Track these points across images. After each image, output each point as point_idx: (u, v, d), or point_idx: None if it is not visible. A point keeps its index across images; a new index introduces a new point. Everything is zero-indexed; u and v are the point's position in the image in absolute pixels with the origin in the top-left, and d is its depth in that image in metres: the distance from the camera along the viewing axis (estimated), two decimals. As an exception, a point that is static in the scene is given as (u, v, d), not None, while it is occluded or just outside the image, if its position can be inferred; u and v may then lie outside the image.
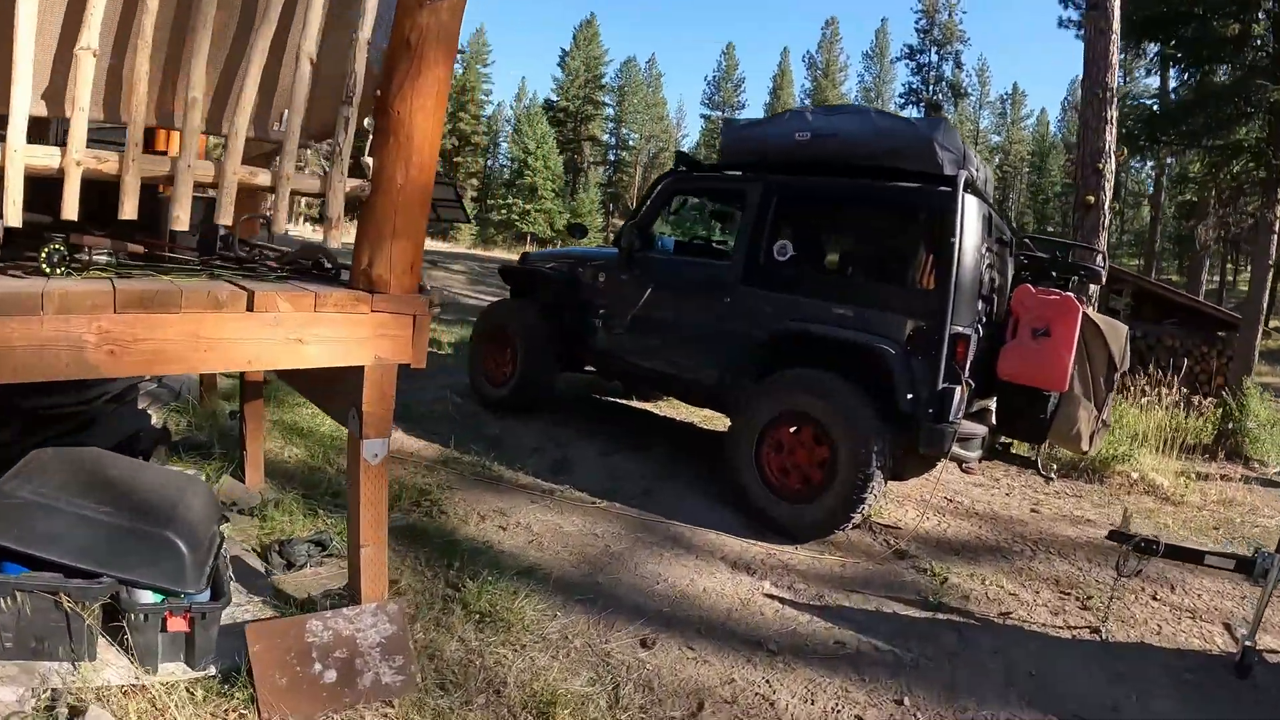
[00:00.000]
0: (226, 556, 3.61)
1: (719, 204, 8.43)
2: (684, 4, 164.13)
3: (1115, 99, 10.38)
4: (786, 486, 5.51)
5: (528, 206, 67.96)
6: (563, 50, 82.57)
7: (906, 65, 70.96)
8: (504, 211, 69.20)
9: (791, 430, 5.51)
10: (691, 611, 4.31)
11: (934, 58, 70.11)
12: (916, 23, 70.08)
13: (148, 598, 3.01)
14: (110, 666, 2.92)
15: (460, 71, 78.82)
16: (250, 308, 2.87)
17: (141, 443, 5.02)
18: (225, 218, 2.92)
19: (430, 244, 37.80)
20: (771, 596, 4.57)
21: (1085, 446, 5.87)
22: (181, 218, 2.82)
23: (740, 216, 6.45)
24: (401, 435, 6.70)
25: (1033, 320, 5.45)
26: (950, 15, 69.01)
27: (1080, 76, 10.93)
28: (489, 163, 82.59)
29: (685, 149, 66.24)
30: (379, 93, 3.13)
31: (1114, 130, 10.31)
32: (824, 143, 6.01)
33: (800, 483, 5.47)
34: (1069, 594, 5.04)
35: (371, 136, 3.19)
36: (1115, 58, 10.27)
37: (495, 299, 8.70)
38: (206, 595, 3.15)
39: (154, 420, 5.78)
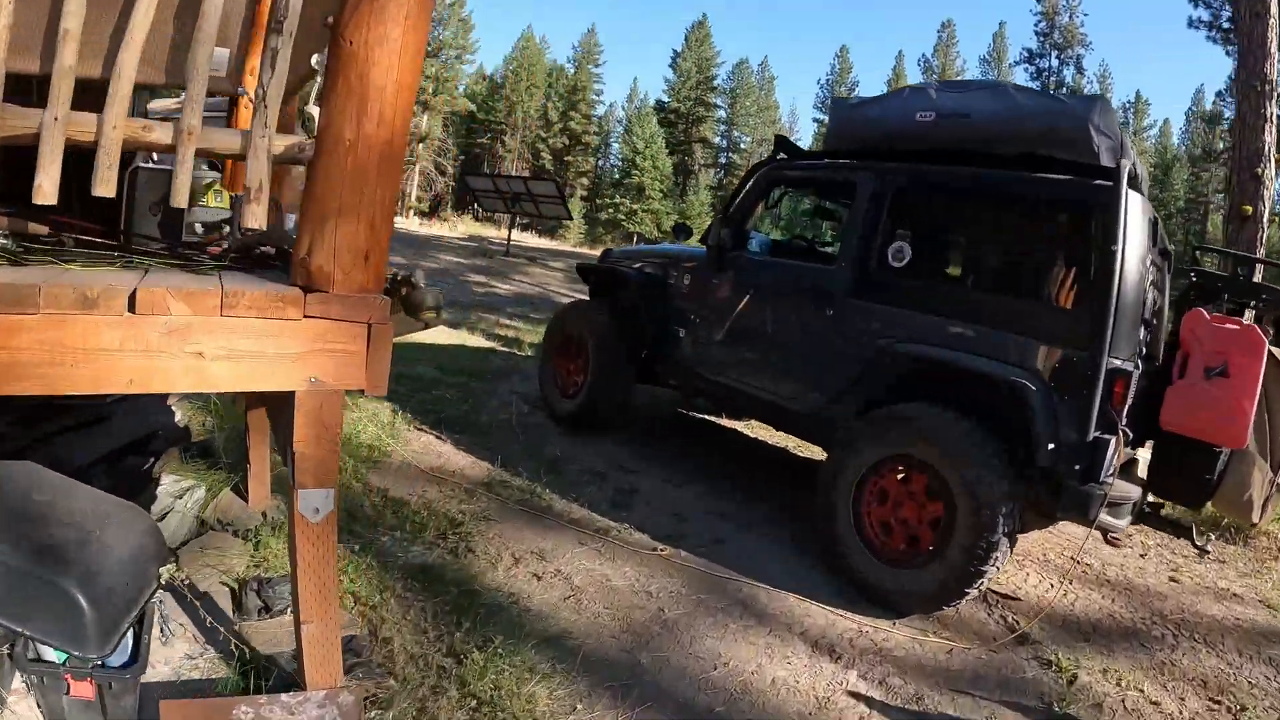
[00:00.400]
0: (157, 612, 2.96)
1: (824, 198, 7.37)
2: (797, 5, 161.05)
3: (1276, 93, 9.03)
4: (889, 547, 4.50)
5: (635, 206, 67.52)
6: (674, 51, 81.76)
7: (1025, 70, 67.07)
8: (611, 211, 68.87)
9: (900, 478, 4.52)
10: (753, 714, 3.37)
11: (1054, 62, 66.41)
12: (1036, 25, 66.60)
13: (51, 654, 2.54)
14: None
15: (572, 71, 79.42)
16: (132, 308, 2.09)
17: (155, 444, 4.53)
18: (105, 187, 2.10)
19: (534, 241, 37.45)
20: (857, 696, 3.59)
21: (1256, 517, 4.74)
22: (46, 187, 2.05)
23: (849, 213, 5.47)
24: (449, 449, 5.96)
25: (1207, 356, 4.31)
26: (1071, 18, 65.54)
27: (1203, 85, 9.54)
28: (600, 162, 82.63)
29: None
30: (330, 20, 2.28)
31: (1275, 129, 8.97)
32: (951, 125, 4.95)
33: (906, 543, 4.46)
34: (1219, 702, 3.94)
35: (319, 79, 2.37)
36: (1275, 45, 8.93)
37: (582, 266, 7.95)
38: (124, 657, 2.61)
39: (178, 417, 5.22)
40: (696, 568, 4.61)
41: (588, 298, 7.60)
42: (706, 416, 8.07)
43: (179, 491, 4.05)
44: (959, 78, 74.58)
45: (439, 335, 11.01)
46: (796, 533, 5.27)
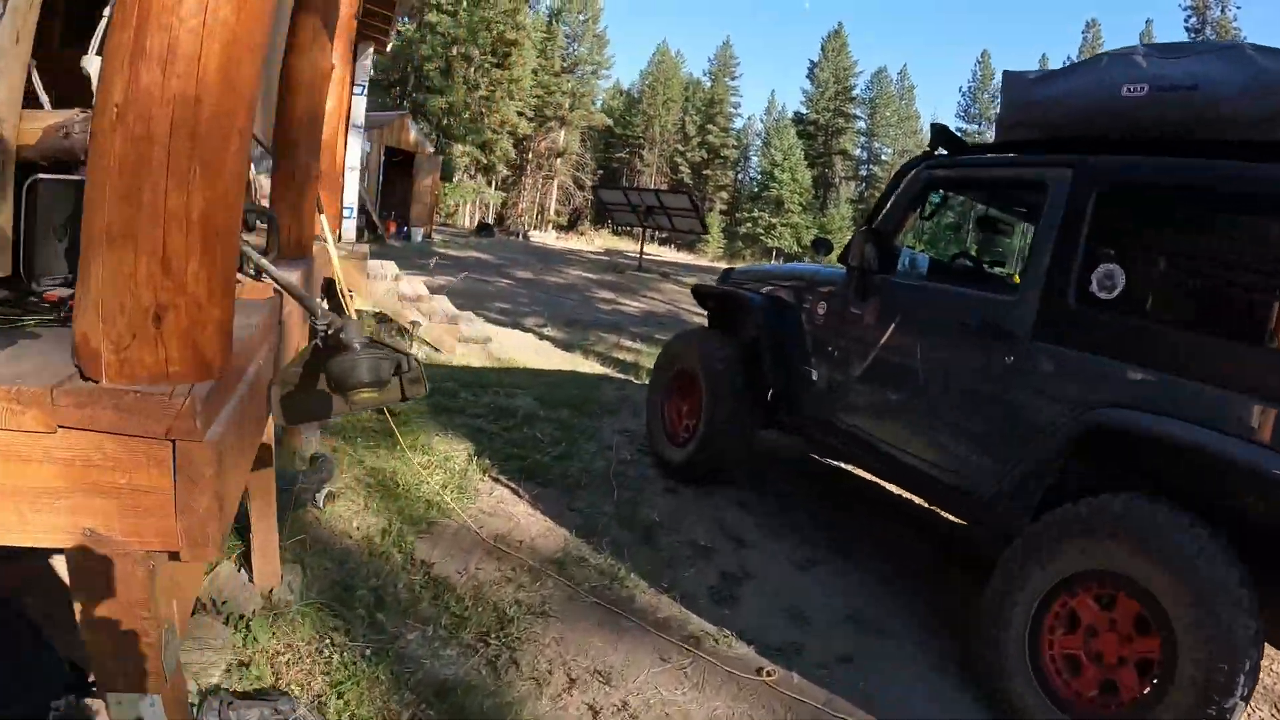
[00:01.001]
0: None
1: (998, 203, 5.77)
2: (934, 10, 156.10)
3: None
4: (1080, 695, 3.23)
5: (774, 220, 66.11)
6: (811, 62, 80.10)
7: (1176, 68, 63.11)
8: (750, 225, 67.58)
9: (1097, 602, 3.25)
10: None
11: (1207, 60, 62.12)
12: (1186, 21, 61.95)
13: None
14: None
15: (708, 84, 78.67)
16: None
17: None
18: None
19: (670, 255, 36.70)
20: None
21: None
22: None
23: (1034, 224, 4.13)
24: (524, 509, 4.96)
25: None
26: (1224, 11, 60.88)
27: None
28: (739, 176, 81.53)
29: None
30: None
31: None
32: (1172, 100, 3.57)
33: (1100, 688, 3.19)
34: None
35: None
36: None
37: (697, 288, 6.68)
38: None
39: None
40: (814, 702, 3.41)
41: (706, 325, 6.50)
42: (844, 465, 6.80)
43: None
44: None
45: (549, 358, 10.09)
46: (950, 649, 4.00)
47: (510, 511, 4.89)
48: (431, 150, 28.91)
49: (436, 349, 9.26)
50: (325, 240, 5.23)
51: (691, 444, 5.56)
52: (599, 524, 4.79)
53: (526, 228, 52.82)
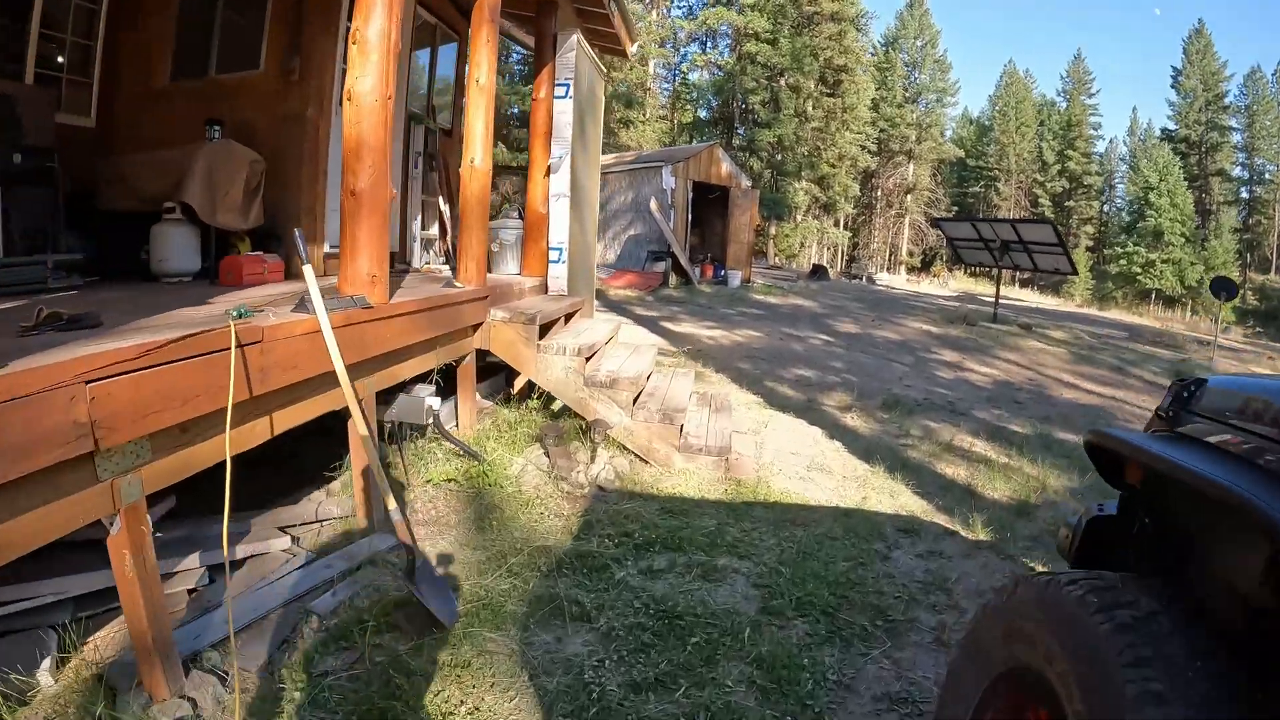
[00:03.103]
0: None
1: None
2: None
3: None
4: None
5: (1151, 256, 57.16)
6: (1174, 69, 70.32)
7: None
8: (1123, 262, 59.04)
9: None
10: None
11: None
12: None
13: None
14: None
15: (1064, 105, 71.74)
16: None
17: None
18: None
19: (1033, 297, 31.48)
20: None
21: None
22: None
23: None
24: None
25: None
26: None
27: None
28: (1104, 207, 73.17)
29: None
30: None
31: None
32: None
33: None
34: None
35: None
36: None
37: (1103, 440, 2.24)
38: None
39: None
40: None
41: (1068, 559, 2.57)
42: None
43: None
44: None
45: (832, 475, 6.49)
46: None
47: None
48: (748, 184, 25.79)
49: (644, 460, 5.91)
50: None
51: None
52: None
53: (873, 269, 49.21)
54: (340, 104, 6.71)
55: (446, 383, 6.07)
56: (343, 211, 4.37)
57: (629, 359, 6.94)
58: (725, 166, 24.68)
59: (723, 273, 24.43)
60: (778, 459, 6.52)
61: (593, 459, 5.80)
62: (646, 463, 5.92)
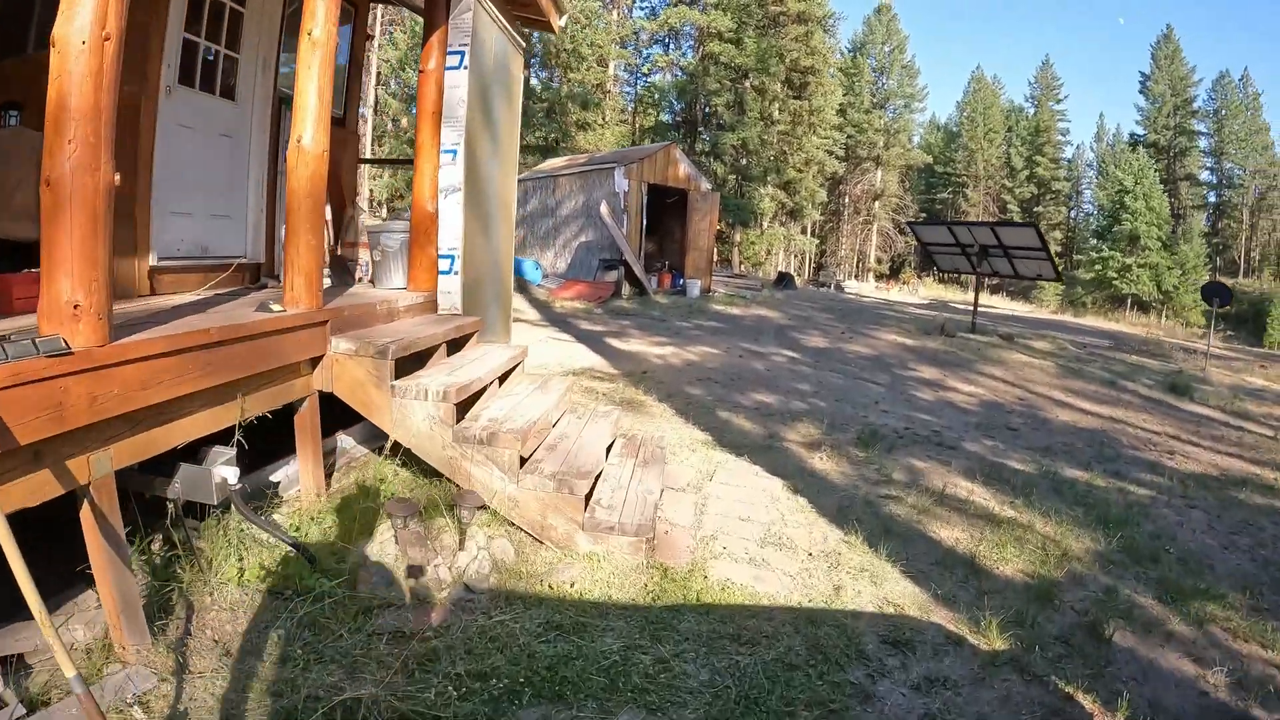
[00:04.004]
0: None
1: None
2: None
3: None
4: None
5: (1128, 260, 56.19)
6: (1142, 74, 70.18)
7: None
8: (1097, 267, 58.06)
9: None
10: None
11: None
12: None
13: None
14: None
15: (1032, 111, 72.06)
16: None
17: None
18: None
19: (1003, 304, 30.30)
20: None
21: None
22: None
23: None
24: None
25: None
26: None
27: None
28: (1072, 213, 73.06)
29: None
30: None
31: None
32: None
33: None
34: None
35: None
36: None
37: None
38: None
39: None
40: None
41: None
42: None
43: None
44: None
45: (795, 548, 5.00)
46: None
47: None
48: (708, 186, 24.15)
49: (538, 539, 4.37)
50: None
51: None
52: None
53: (841, 277, 48.09)
54: (170, 85, 5.23)
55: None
56: (41, 209, 2.84)
57: (527, 398, 5.37)
58: (683, 168, 23.02)
59: (681, 282, 22.83)
60: (723, 529, 4.97)
61: (461, 544, 4.24)
62: (541, 543, 4.38)
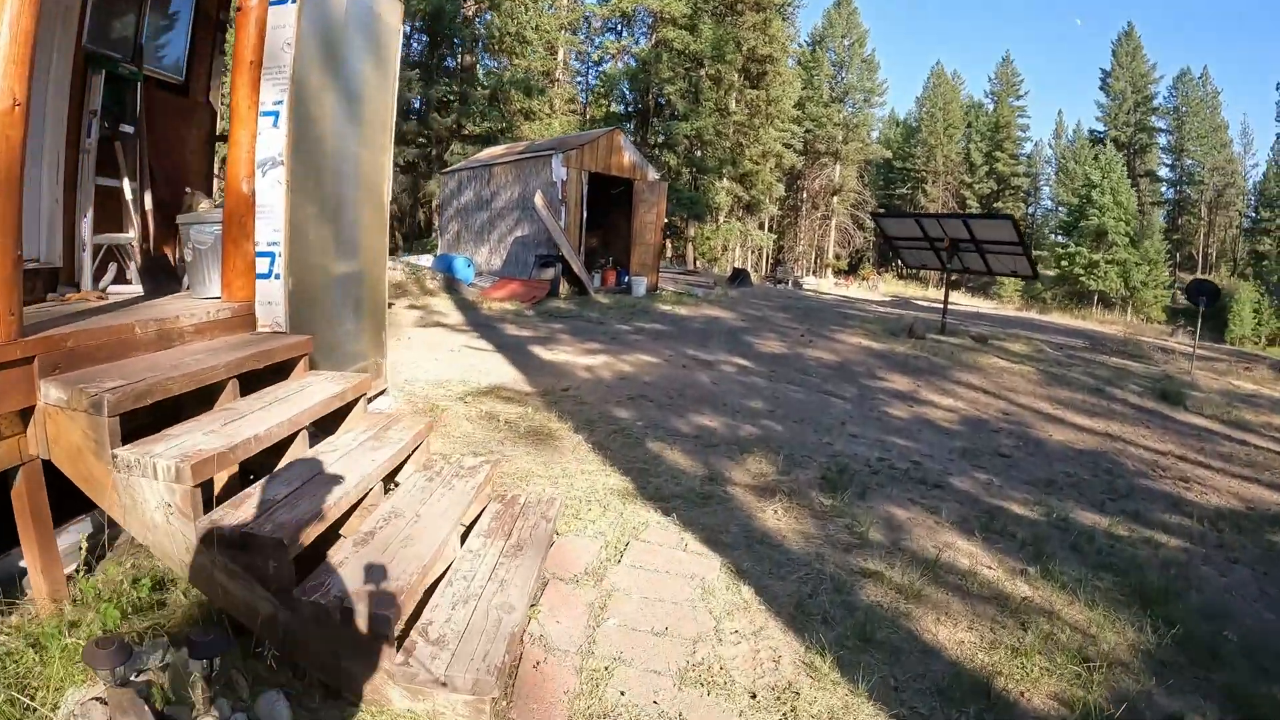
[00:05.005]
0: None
1: None
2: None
3: None
4: None
5: (1095, 256, 55.55)
6: (1103, 71, 70.64)
7: None
8: (1064, 263, 57.41)
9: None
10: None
11: None
12: None
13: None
14: None
15: (991, 107, 72.49)
16: None
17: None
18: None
19: (964, 301, 29.02)
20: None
21: None
22: None
23: None
24: None
25: None
26: None
27: None
28: (1030, 209, 73.66)
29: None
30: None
31: None
32: None
33: None
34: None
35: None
36: None
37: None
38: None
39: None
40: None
41: None
42: None
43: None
44: None
45: (707, 707, 3.38)
46: None
47: None
48: (655, 176, 22.30)
49: (333, 691, 2.77)
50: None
51: None
52: None
53: (799, 274, 46.80)
54: None
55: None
56: None
57: (344, 458, 3.71)
58: (629, 155, 21.20)
59: (626, 279, 21.15)
60: (626, 652, 3.38)
61: (207, 705, 2.62)
62: (340, 698, 2.79)
